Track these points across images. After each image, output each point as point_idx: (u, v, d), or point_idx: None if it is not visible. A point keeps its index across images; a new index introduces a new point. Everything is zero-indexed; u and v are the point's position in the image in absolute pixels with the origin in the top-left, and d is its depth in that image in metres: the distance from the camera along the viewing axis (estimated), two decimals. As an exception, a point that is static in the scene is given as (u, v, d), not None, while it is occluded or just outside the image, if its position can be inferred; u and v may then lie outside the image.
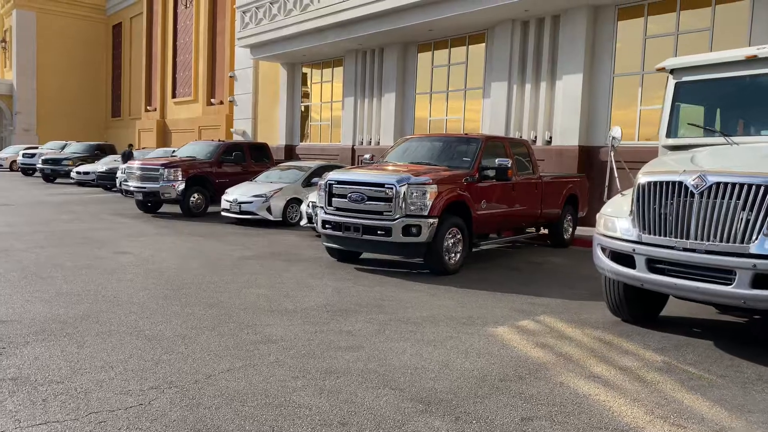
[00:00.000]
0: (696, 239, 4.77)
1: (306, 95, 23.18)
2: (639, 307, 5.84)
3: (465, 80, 17.05)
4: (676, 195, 4.91)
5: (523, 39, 15.26)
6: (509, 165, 8.58)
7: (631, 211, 5.26)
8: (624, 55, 13.67)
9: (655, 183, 5.07)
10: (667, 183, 4.98)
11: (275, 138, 23.56)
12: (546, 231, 11.21)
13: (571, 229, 11.51)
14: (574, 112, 14.14)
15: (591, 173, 13.43)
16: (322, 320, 5.74)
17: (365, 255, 9.12)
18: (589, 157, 14.11)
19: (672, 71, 6.21)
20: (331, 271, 8.19)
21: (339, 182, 8.28)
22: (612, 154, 6.41)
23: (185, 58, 32.82)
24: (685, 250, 4.83)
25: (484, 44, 16.49)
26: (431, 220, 7.77)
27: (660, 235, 5.00)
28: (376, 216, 7.89)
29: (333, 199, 8.32)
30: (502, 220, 9.39)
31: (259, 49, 22.36)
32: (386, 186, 7.82)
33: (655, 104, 13.01)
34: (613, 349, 5.10)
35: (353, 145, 20.23)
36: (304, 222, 11.78)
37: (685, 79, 6.07)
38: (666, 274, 4.96)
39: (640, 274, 5.10)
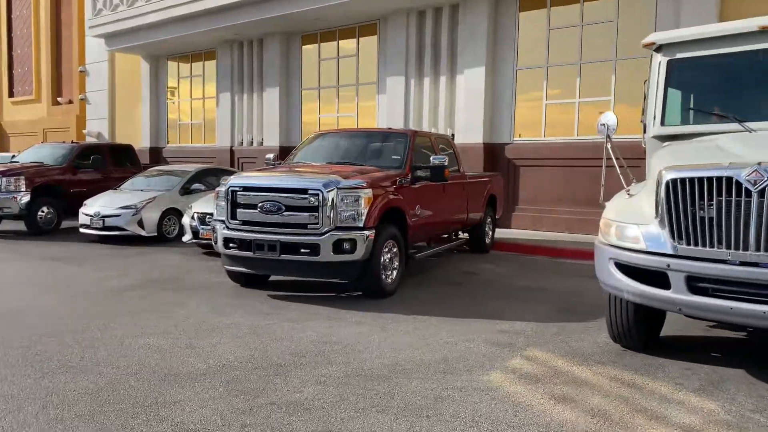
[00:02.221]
0: (759, 250, 3.72)
1: (173, 92, 20.64)
2: (646, 332, 4.77)
3: (357, 74, 15.71)
4: (724, 194, 3.85)
5: (420, 30, 14.22)
6: (446, 163, 7.31)
7: (658, 215, 4.14)
8: (527, 48, 13.02)
9: (691, 180, 3.98)
10: (710, 179, 3.91)
11: (138, 140, 20.75)
12: (465, 236, 10.11)
13: (491, 233, 10.53)
14: (477, 108, 13.30)
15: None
16: (255, 386, 4.07)
17: (275, 276, 7.43)
18: (493, 155, 13.34)
19: (660, 48, 5.23)
20: (240, 302, 6.43)
21: (246, 189, 6.55)
22: (608, 146, 5.31)
23: (24, 52, 28.52)
24: (744, 264, 3.77)
25: (376, 36, 15.26)
26: (367, 233, 6.29)
27: (704, 246, 3.92)
28: (298, 230, 6.27)
29: (238, 210, 6.57)
30: (434, 228, 8.12)
31: (115, 39, 19.52)
32: (310, 192, 6.22)
33: (563, 98, 12.48)
34: (651, 397, 3.94)
35: (231, 146, 18.17)
36: (187, 238, 9.78)
37: (679, 56, 5.10)
38: (715, 295, 3.89)
39: (677, 296, 3.99)
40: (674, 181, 4.05)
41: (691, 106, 5.09)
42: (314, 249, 6.18)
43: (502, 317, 5.91)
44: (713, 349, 5.01)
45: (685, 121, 5.09)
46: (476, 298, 6.74)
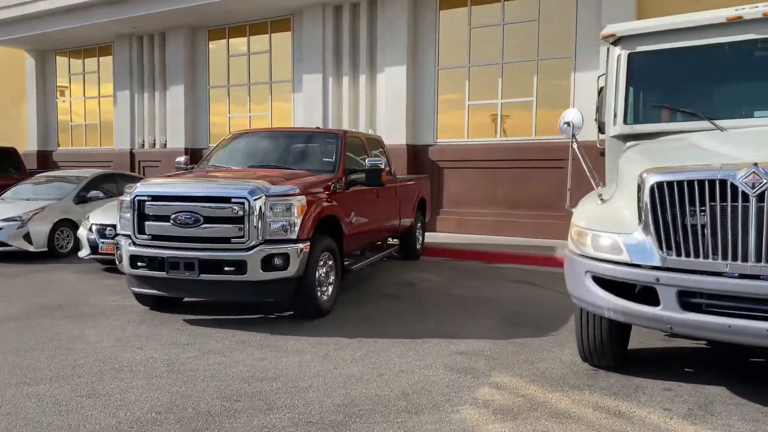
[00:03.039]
0: (759, 261, 3.36)
1: (64, 90, 18.78)
2: (619, 349, 4.36)
3: (270, 72, 14.82)
4: (718, 198, 3.46)
5: (337, 26, 13.56)
6: (383, 166, 6.70)
7: (641, 223, 3.71)
8: (449, 47, 12.68)
9: (679, 183, 3.58)
10: (701, 182, 3.52)
11: (23, 142, 18.72)
12: (396, 242, 9.55)
13: (421, 238, 10.04)
14: (399, 108, 12.82)
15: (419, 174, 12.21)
16: (181, 445, 3.27)
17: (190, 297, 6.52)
18: (416, 157, 12.91)
19: (620, 40, 4.86)
20: (152, 331, 5.51)
21: (156, 198, 5.63)
22: (574, 146, 4.85)
23: None
24: (743, 276, 3.39)
25: (290, 32, 14.43)
26: (301, 245, 5.55)
27: (698, 257, 3.52)
28: (221, 245, 5.44)
29: (147, 223, 5.64)
30: (370, 236, 7.49)
31: (-7, 29, 17.47)
32: (234, 200, 5.41)
33: (485, 99, 12.22)
34: (644, 428, 3.49)
35: (131, 149, 16.71)
36: (84, 253, 8.61)
37: (639, 49, 4.75)
38: (710, 312, 3.49)
39: (668, 313, 3.57)
40: (660, 184, 3.63)
41: (655, 102, 4.74)
42: (240, 267, 5.37)
43: (454, 335, 5.37)
44: (681, 363, 4.69)
45: (648, 119, 4.73)
46: (420, 314, 6.16)
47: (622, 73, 4.80)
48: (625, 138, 4.78)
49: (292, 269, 5.48)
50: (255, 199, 5.40)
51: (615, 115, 4.83)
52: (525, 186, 11.71)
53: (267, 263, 5.40)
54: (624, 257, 3.72)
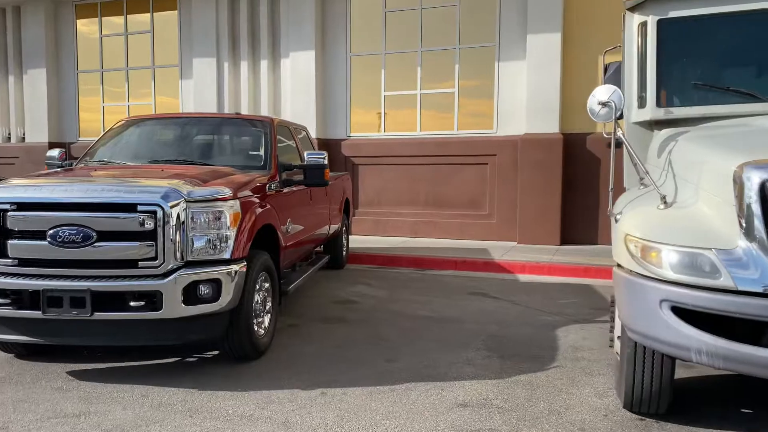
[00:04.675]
0: None
1: None
2: (672, 392, 3.42)
3: (152, 55, 12.86)
4: None
5: (233, 5, 11.94)
6: (326, 162, 5.40)
7: (749, 237, 2.75)
8: (362, 32, 11.51)
9: (802, 180, 2.65)
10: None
11: None
12: (320, 250, 8.25)
13: (346, 244, 8.81)
14: (307, 98, 11.50)
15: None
16: None
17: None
18: (327, 152, 11.50)
19: (643, 4, 3.94)
20: (23, 395, 3.85)
21: (23, 206, 3.97)
22: (619, 133, 3.73)
23: None
24: None
25: (176, 10, 12.57)
26: (236, 267, 4.14)
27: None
28: (124, 271, 3.90)
29: (9, 242, 3.97)
30: (304, 246, 6.15)
31: None
32: (141, 207, 3.89)
33: (403, 90, 11.18)
34: None
35: (-20, 144, 13.98)
36: None
37: (672, 14, 3.84)
38: None
39: (797, 357, 2.62)
40: (774, 182, 2.70)
41: (696, 80, 3.86)
42: (152, 300, 3.87)
43: (441, 376, 4.22)
44: (737, 393, 3.86)
45: (688, 100, 3.84)
46: (383, 345, 4.95)
47: (651, 45, 3.88)
48: (655, 125, 3.86)
49: (225, 299, 4.06)
50: (171, 206, 3.92)
51: (641, 97, 3.89)
52: (447, 184, 10.83)
53: (190, 293, 3.94)
54: (724, 281, 2.75)
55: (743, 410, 3.65)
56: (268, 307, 4.77)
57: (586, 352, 4.78)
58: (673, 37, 3.84)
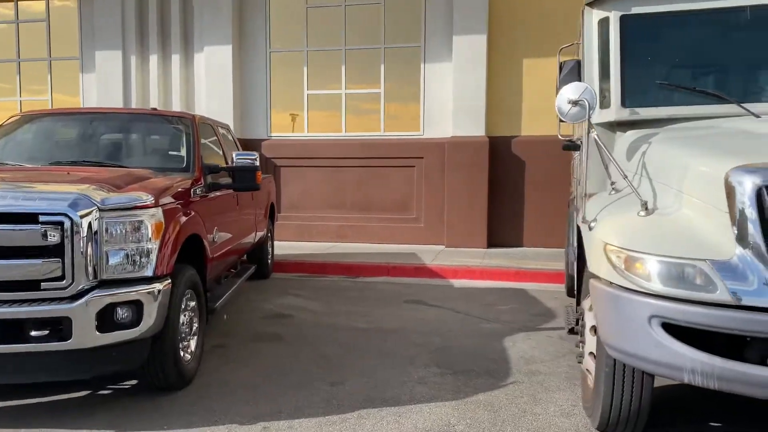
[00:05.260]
0: None
1: None
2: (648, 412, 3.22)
3: (48, 46, 11.71)
4: None
5: (141, -5, 11.09)
6: (257, 164, 4.90)
7: (742, 243, 2.55)
8: (283, 27, 10.98)
9: (800, 185, 2.49)
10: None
11: None
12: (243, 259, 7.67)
13: (271, 252, 8.27)
14: (223, 95, 10.84)
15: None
16: None
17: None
18: (246, 154, 10.98)
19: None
20: None
21: None
22: (594, 135, 3.42)
23: None
24: None
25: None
26: (159, 285, 3.58)
27: (840, 292, 2.45)
28: (23, 293, 3.25)
29: None
30: (230, 257, 5.59)
31: None
32: (44, 218, 3.26)
33: (327, 89, 10.75)
34: None
35: None
36: None
37: (636, 11, 3.66)
38: None
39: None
40: (769, 187, 2.52)
41: (662, 80, 3.69)
42: (59, 327, 3.25)
43: (395, 400, 3.84)
44: (709, 413, 3.73)
45: (654, 101, 3.67)
46: (325, 365, 4.51)
47: (614, 43, 3.69)
48: (618, 126, 3.67)
49: (147, 324, 3.49)
50: (82, 216, 3.31)
51: (603, 97, 3.69)
52: (374, 187, 10.50)
53: (106, 318, 3.35)
54: (720, 295, 2.54)
55: (714, 424, 3.51)
56: (194, 328, 4.22)
57: (539, 364, 4.56)
58: (637, 35, 3.67)
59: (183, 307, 3.98)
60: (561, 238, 9.26)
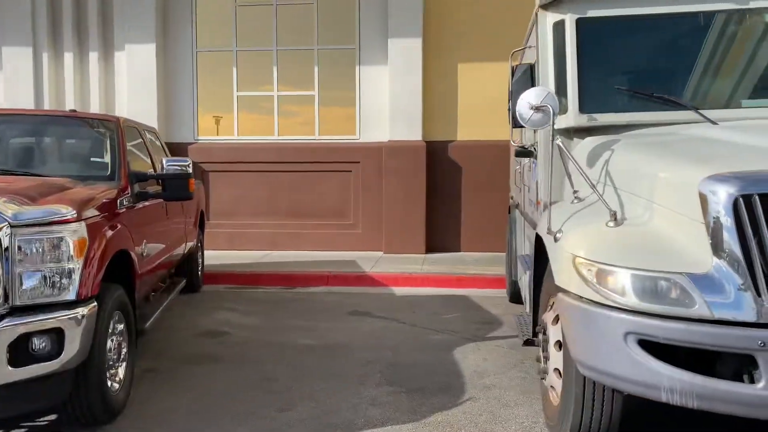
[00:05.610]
0: None
1: None
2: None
3: (-54, 40, 10.70)
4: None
5: (55, -13, 10.32)
6: (190, 171, 4.52)
7: (720, 255, 2.45)
8: (210, 25, 10.50)
9: (776, 195, 2.42)
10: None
11: None
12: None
13: (202, 262, 7.81)
14: (147, 96, 10.25)
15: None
16: None
17: None
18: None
19: (558, 2, 3.64)
20: None
21: None
22: (558, 142, 3.25)
23: None
24: None
25: (-22, -11, 10.58)
26: (83, 310, 3.16)
27: (821, 306, 2.38)
28: None
29: None
30: (161, 272, 5.16)
31: None
32: (-57, 238, 2.80)
33: (258, 90, 10.35)
34: None
35: None
36: None
37: (592, 14, 3.57)
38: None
39: (769, 392, 2.37)
40: (748, 198, 2.43)
41: (620, 86, 3.60)
42: (-38, 363, 2.80)
43: (346, 425, 3.58)
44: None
45: (612, 107, 3.58)
46: (269, 388, 4.19)
47: (571, 47, 3.58)
48: (575, 132, 3.57)
49: (69, 354, 3.07)
50: (-10, 232, 2.87)
51: (561, 102, 3.58)
52: (309, 192, 10.19)
53: (20, 351, 2.92)
54: (699, 310, 2.43)
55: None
56: (123, 353, 3.80)
57: (493, 377, 4.41)
58: (595, 39, 3.57)
59: (110, 331, 3.57)
60: (498, 242, 9.26)
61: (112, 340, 3.59)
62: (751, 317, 2.38)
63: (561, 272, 2.89)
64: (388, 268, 8.35)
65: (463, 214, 9.96)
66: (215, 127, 10.64)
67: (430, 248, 9.83)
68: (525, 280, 5.09)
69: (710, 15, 3.47)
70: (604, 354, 2.63)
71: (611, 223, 2.80)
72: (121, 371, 3.76)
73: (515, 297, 6.57)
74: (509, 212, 7.33)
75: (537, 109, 3.10)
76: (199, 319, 6.04)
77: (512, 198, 7.23)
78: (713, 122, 3.29)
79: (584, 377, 2.85)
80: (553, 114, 3.07)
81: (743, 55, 3.53)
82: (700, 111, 3.34)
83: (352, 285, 7.76)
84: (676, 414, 3.45)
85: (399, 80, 9.71)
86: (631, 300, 2.56)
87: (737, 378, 2.44)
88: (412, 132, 9.75)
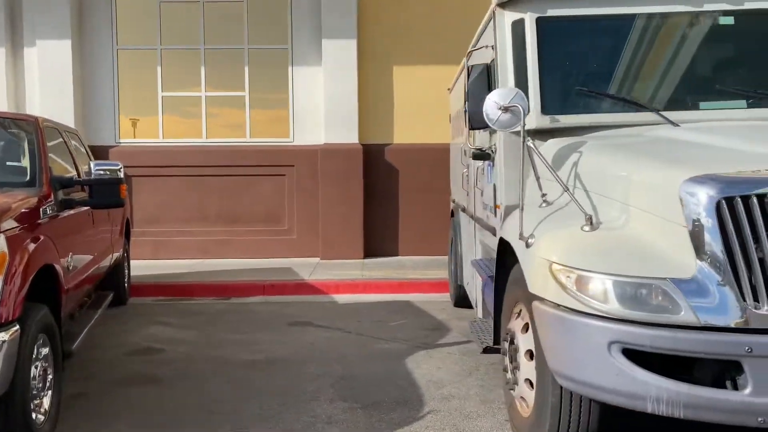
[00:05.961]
0: None
1: None
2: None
3: None
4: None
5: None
6: (122, 176, 4.12)
7: (704, 258, 2.39)
8: (132, 22, 9.92)
9: (759, 197, 2.37)
10: (788, 195, 2.37)
11: None
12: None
13: (128, 273, 7.29)
14: (62, 95, 9.56)
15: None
16: None
17: None
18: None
19: (516, 1, 3.54)
20: None
21: None
22: (529, 143, 3.09)
23: None
24: None
25: None
26: (5, 335, 2.76)
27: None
28: None
29: None
30: (87, 286, 4.70)
31: None
32: None
33: (185, 91, 9.85)
34: None
35: None
36: None
37: (552, 13, 3.49)
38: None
39: (757, 399, 2.31)
40: (730, 200, 2.38)
41: (582, 86, 3.52)
42: None
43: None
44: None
45: (575, 108, 3.50)
46: (216, 410, 3.86)
47: (531, 47, 3.48)
48: (537, 134, 3.48)
49: (-12, 386, 2.67)
50: None
51: (525, 105, 3.46)
52: (241, 197, 9.79)
53: (-72, 386, 2.50)
54: (685, 316, 2.36)
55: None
56: (49, 380, 3.39)
57: (450, 387, 4.27)
58: (555, 38, 3.49)
59: (34, 356, 3.16)
60: (437, 245, 9.20)
61: (36, 367, 3.18)
62: (738, 322, 2.33)
63: (535, 279, 2.77)
64: (328, 274, 8.11)
65: (401, 217, 9.85)
66: (142, 129, 10.05)
67: (369, 253, 9.65)
68: (476, 285, 4.99)
69: (668, 16, 3.47)
70: (585, 364, 2.52)
71: (587, 227, 2.70)
72: (46, 401, 3.34)
73: (460, 301, 6.49)
74: (452, 216, 7.25)
75: (506, 109, 2.96)
76: (129, 335, 5.59)
77: (454, 201, 7.15)
78: (675, 124, 3.27)
79: (561, 387, 2.74)
80: (524, 114, 2.95)
81: (701, 56, 3.55)
82: (661, 113, 3.31)
83: (291, 294, 7.46)
84: (649, 418, 3.42)
85: (334, 81, 9.49)
86: (614, 307, 2.46)
87: (717, 385, 2.38)
88: (348, 134, 9.55)
